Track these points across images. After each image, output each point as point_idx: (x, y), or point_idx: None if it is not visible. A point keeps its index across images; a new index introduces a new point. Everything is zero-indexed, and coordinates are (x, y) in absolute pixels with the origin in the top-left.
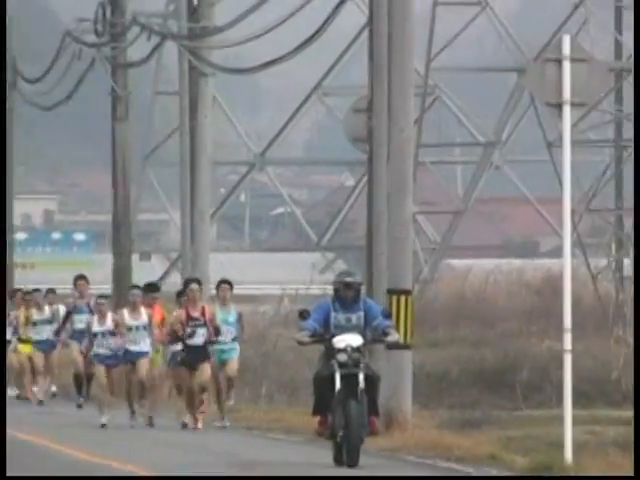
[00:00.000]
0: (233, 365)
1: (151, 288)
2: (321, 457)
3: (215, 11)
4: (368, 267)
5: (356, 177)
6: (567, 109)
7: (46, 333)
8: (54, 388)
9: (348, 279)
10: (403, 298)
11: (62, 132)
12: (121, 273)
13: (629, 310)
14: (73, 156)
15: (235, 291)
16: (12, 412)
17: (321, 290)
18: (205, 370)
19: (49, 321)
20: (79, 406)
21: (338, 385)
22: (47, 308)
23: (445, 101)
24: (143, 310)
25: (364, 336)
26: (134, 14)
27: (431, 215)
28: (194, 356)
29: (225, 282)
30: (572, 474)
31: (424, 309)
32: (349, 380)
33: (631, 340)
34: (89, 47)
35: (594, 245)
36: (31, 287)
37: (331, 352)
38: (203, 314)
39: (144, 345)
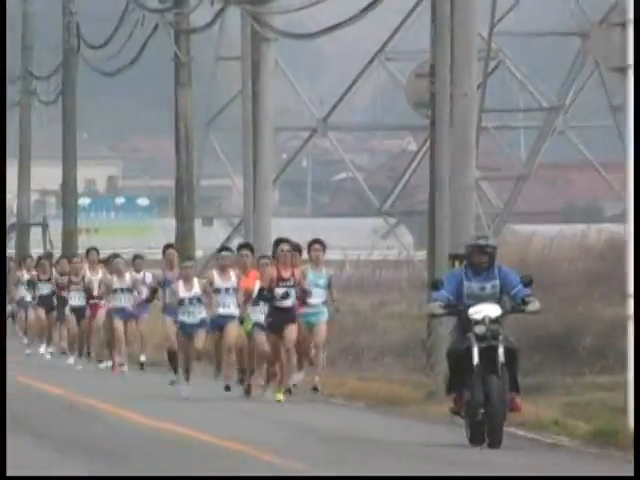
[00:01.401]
0: (322, 329)
1: (244, 247)
2: (391, 425)
3: None
4: (430, 232)
5: (419, 142)
6: (631, 73)
7: (125, 301)
8: (143, 358)
9: (481, 242)
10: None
11: (125, 98)
12: (184, 238)
13: None
14: (136, 122)
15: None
16: (95, 382)
17: (382, 255)
18: (292, 331)
19: (129, 289)
20: (172, 383)
21: (476, 359)
22: (128, 276)
23: (508, 65)
24: (232, 273)
25: (502, 306)
26: None
27: (494, 180)
28: (281, 318)
29: (317, 242)
30: (634, 440)
31: None
32: (488, 354)
33: None
34: (152, 13)
35: None
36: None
37: (466, 324)
38: (293, 275)
39: (233, 308)
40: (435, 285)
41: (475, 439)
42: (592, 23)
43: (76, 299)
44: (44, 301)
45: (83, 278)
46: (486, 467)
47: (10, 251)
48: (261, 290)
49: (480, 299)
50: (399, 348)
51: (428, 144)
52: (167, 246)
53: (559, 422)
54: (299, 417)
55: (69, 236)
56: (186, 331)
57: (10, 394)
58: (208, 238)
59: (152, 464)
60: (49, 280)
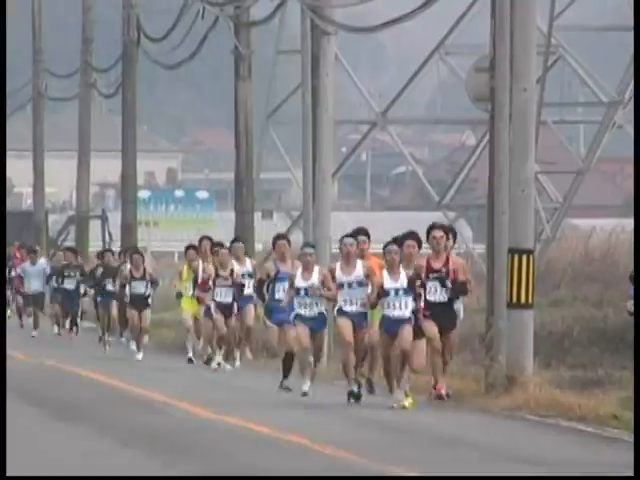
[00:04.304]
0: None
1: (361, 232)
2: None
3: None
4: (489, 226)
5: (478, 136)
6: None
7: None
8: (249, 355)
9: None
10: (525, 257)
11: (185, 90)
12: (244, 231)
13: None
14: (196, 114)
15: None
16: (182, 383)
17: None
18: (453, 335)
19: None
20: (285, 388)
21: None
22: (234, 265)
23: (568, 60)
24: (359, 263)
25: None
26: None
27: (553, 174)
28: (438, 313)
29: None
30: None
31: (546, 268)
32: None
33: None
34: (212, 6)
35: None
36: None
37: None
38: (446, 264)
39: (360, 306)
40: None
41: None
42: None
43: (223, 295)
44: (138, 301)
45: (232, 272)
46: (541, 462)
47: (69, 244)
48: (410, 282)
49: None
50: (458, 341)
51: (487, 138)
52: (278, 237)
53: (618, 416)
54: (370, 413)
55: (128, 229)
56: (307, 324)
57: (84, 394)
58: (268, 231)
59: (218, 460)
60: (143, 277)
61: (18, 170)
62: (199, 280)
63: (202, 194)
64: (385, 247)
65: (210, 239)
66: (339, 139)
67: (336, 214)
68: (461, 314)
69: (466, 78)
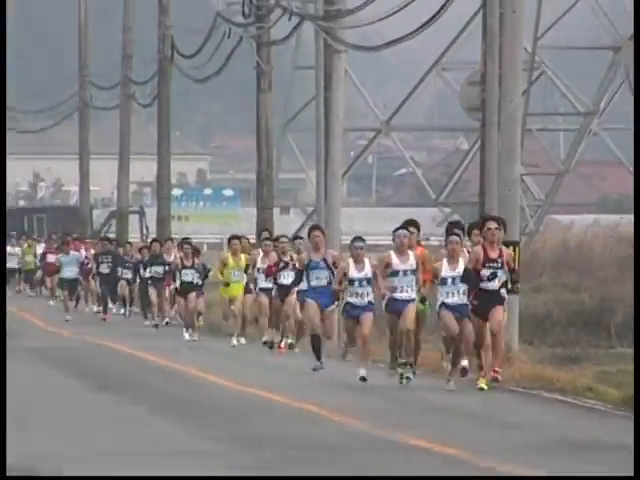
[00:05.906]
0: (498, 313)
1: (410, 223)
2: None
3: None
4: None
5: (470, 142)
6: None
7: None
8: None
9: None
10: (511, 248)
11: (213, 101)
12: (264, 224)
13: None
14: (222, 122)
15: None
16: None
17: (438, 241)
18: (498, 314)
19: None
20: (315, 369)
21: None
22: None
23: (549, 75)
24: (411, 253)
25: None
26: None
27: (536, 176)
28: (488, 301)
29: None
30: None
31: (530, 258)
32: None
33: None
34: (237, 27)
35: None
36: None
37: None
38: (501, 255)
39: (412, 292)
40: None
41: None
42: (623, 37)
43: (284, 277)
44: (187, 287)
45: (292, 258)
46: (532, 427)
47: (110, 235)
48: (466, 271)
49: None
50: None
51: (479, 144)
52: (313, 227)
53: (593, 389)
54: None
55: (163, 223)
56: (352, 314)
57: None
58: (286, 225)
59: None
60: (192, 266)
61: (66, 171)
62: (264, 266)
63: (228, 192)
64: (447, 237)
65: (269, 231)
66: (348, 144)
67: (345, 210)
68: (505, 296)
69: (460, 90)
